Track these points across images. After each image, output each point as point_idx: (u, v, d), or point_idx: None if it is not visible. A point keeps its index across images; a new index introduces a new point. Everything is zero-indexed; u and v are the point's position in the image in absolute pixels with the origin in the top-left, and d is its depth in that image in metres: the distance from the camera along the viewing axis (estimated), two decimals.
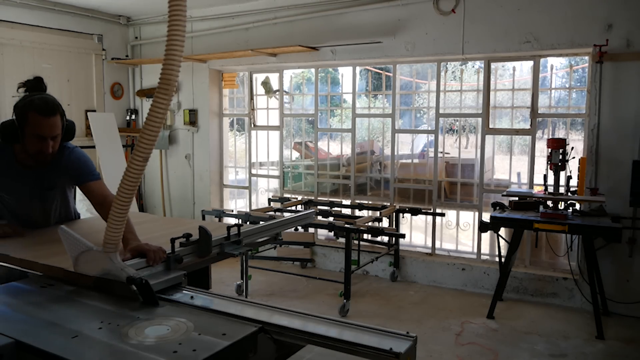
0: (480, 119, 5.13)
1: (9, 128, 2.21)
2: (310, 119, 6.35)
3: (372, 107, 6.34)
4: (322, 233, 5.87)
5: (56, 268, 1.85)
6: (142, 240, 1.98)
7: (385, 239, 5.43)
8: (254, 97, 6.49)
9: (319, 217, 5.17)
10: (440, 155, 5.41)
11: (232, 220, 5.20)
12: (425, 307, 4.67)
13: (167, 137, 6.72)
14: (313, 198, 5.92)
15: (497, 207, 4.45)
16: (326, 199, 5.91)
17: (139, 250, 1.87)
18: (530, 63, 4.86)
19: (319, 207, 5.56)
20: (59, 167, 2.38)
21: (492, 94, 5.07)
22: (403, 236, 4.74)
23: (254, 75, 6.44)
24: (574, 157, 4.27)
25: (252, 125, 6.53)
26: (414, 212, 5.30)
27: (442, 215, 5.37)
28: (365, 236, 5.26)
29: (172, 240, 1.91)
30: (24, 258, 1.97)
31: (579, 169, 4.37)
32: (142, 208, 6.89)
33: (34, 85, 2.33)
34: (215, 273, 2.59)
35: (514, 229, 4.32)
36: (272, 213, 4.96)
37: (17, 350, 1.36)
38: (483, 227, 4.36)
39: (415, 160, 6.12)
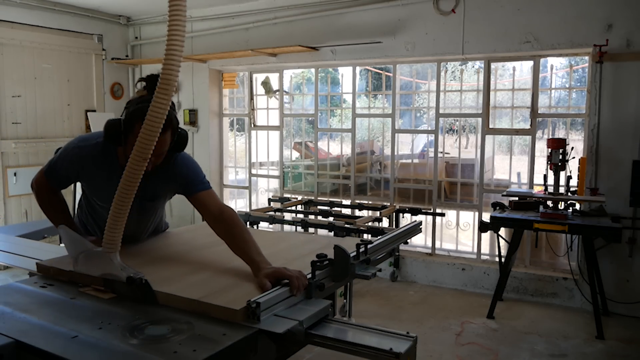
0: (480, 119, 5.13)
1: (114, 128, 1.89)
2: (310, 119, 6.35)
3: (372, 107, 6.34)
4: (322, 233, 5.87)
5: (176, 297, 1.62)
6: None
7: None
8: (254, 97, 6.49)
9: (319, 217, 5.18)
10: (440, 155, 5.41)
11: None
12: (425, 307, 4.67)
13: None
14: (313, 198, 5.92)
15: (497, 207, 4.45)
16: (326, 199, 5.91)
17: (279, 275, 1.67)
18: (530, 63, 4.85)
19: (319, 207, 5.56)
20: (166, 175, 2.06)
21: (492, 94, 5.06)
22: None
23: (254, 75, 6.44)
24: (574, 157, 4.27)
25: (252, 125, 6.52)
26: (414, 212, 5.30)
27: (442, 215, 5.37)
28: (365, 236, 5.25)
29: (314, 264, 1.70)
30: None
31: (579, 169, 4.37)
32: None
33: (153, 87, 1.78)
34: None
35: (514, 229, 4.31)
36: (272, 213, 4.97)
37: (17, 350, 1.35)
38: (483, 227, 4.36)
39: (415, 160, 6.12)
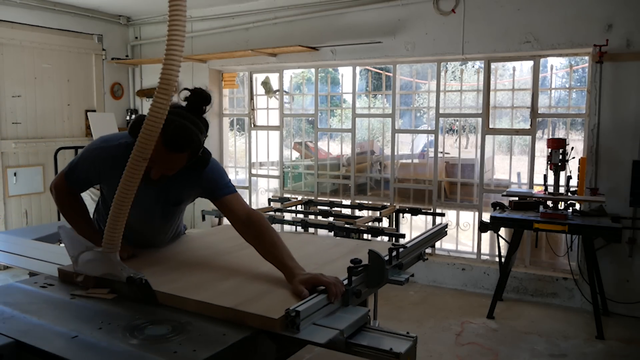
0: (480, 119, 5.13)
1: (139, 124, 1.71)
2: (310, 119, 6.35)
3: (372, 107, 6.34)
4: (322, 233, 5.87)
5: (209, 305, 1.54)
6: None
7: (385, 239, 5.42)
8: (254, 97, 6.49)
9: (319, 217, 5.17)
10: (440, 155, 5.41)
11: None
12: (425, 307, 4.67)
13: None
14: (313, 198, 5.92)
15: (497, 207, 4.45)
16: (326, 199, 5.90)
17: (315, 282, 1.60)
18: (530, 63, 4.85)
19: (319, 207, 5.55)
20: (191, 179, 2.01)
21: (492, 94, 5.06)
22: (403, 236, 4.72)
23: (254, 75, 6.44)
24: (574, 157, 4.27)
25: (252, 125, 6.52)
26: (414, 212, 5.30)
27: (442, 215, 5.36)
28: (365, 236, 5.25)
29: (350, 270, 1.63)
30: (159, 290, 1.65)
31: (579, 169, 4.37)
32: None
33: (194, 102, 1.90)
34: None
35: (514, 229, 4.31)
36: (272, 213, 4.96)
37: (17, 350, 1.35)
38: (483, 227, 4.36)
39: (415, 160, 6.13)
